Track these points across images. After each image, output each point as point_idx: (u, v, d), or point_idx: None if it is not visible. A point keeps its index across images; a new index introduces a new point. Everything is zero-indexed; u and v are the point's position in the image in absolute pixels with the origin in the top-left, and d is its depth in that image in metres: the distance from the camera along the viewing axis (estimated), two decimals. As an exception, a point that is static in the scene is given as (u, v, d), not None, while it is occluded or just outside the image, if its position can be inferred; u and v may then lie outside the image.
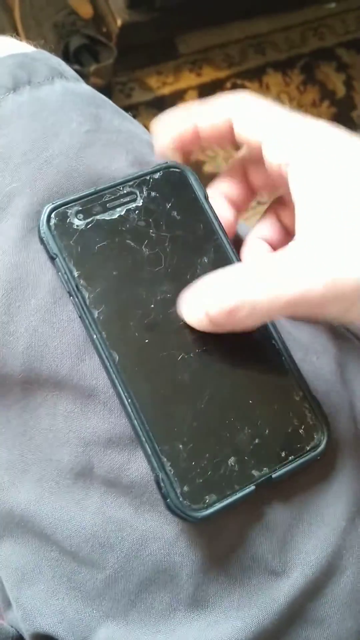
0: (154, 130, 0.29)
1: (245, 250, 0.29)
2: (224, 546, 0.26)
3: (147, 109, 0.97)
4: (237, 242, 0.30)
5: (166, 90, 1.00)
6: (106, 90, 0.92)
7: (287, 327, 0.29)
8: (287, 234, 0.30)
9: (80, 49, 0.89)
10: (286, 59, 1.05)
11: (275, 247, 0.29)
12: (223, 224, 0.28)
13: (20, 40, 0.33)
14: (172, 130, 0.29)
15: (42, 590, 0.27)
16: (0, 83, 0.29)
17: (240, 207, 0.30)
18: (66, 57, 0.88)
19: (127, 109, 0.33)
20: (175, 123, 0.29)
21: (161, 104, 0.98)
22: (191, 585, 0.26)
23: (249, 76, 1.03)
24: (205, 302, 0.25)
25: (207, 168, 0.94)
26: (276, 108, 0.26)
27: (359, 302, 0.22)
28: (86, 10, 0.91)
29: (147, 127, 0.32)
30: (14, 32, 0.89)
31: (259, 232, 0.30)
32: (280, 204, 0.29)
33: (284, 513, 0.26)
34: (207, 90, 1.02)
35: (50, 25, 0.88)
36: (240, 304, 0.24)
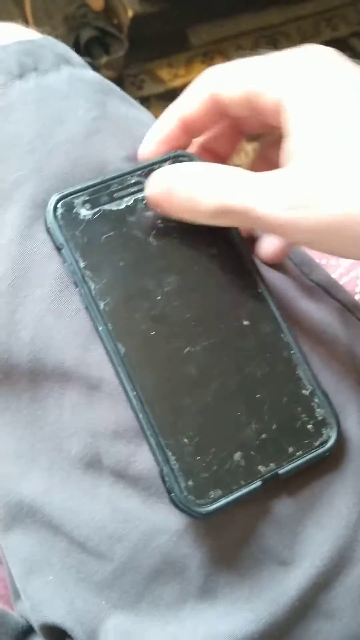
0: (140, 149, 0.28)
1: None
2: (233, 538, 0.26)
3: (158, 101, 0.97)
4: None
5: (178, 83, 0.99)
6: (117, 82, 0.91)
7: (296, 317, 0.29)
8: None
9: (91, 41, 0.89)
10: (299, 50, 1.04)
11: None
12: None
13: (27, 26, 0.32)
14: (155, 136, 0.28)
15: (50, 581, 0.27)
16: (7, 70, 0.28)
17: (227, 156, 0.29)
18: (77, 49, 0.88)
19: (138, 101, 0.32)
20: (157, 128, 0.28)
21: (173, 97, 0.97)
22: (201, 577, 0.25)
23: (262, 68, 1.02)
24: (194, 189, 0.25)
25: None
26: (251, 57, 0.25)
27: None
28: (97, 3, 0.90)
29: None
30: (25, 24, 0.89)
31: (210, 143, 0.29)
32: (270, 146, 0.29)
33: (293, 505, 0.26)
34: (219, 82, 1.01)
35: (61, 18, 0.88)
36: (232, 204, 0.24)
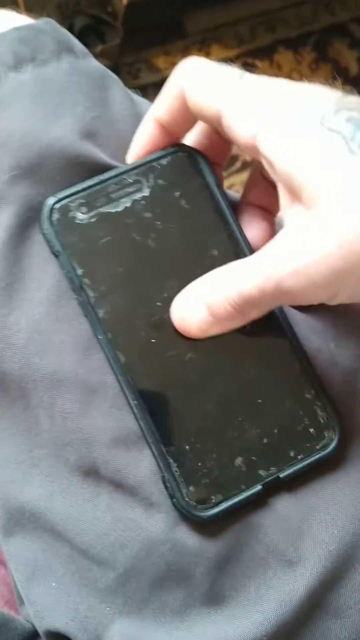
0: (127, 157, 0.28)
1: (242, 224, 0.28)
2: (236, 538, 0.26)
3: (155, 90, 0.95)
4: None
5: (174, 71, 0.98)
6: (113, 71, 0.90)
7: (304, 315, 0.28)
8: (274, 188, 0.29)
9: (85, 29, 0.87)
10: (297, 36, 1.02)
11: (267, 208, 0.28)
12: None
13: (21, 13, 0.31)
14: (138, 141, 0.27)
15: (53, 587, 0.27)
16: (0, 61, 0.27)
17: (220, 163, 0.28)
18: (71, 38, 0.86)
19: (134, 90, 0.31)
20: (139, 133, 0.27)
21: (169, 85, 0.96)
22: (206, 583, 0.25)
23: (260, 55, 1.01)
24: (208, 298, 0.24)
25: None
26: (225, 70, 0.24)
27: None
28: (91, -11, 0.89)
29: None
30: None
31: (248, 197, 0.28)
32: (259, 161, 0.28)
33: (297, 503, 0.26)
34: (216, 70, 1.00)
35: (54, 6, 0.86)
36: (240, 296, 0.23)
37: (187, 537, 0.25)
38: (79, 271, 0.25)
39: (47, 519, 0.26)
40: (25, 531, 0.27)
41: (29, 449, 0.26)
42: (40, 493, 0.26)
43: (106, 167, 0.27)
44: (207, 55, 1.00)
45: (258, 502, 0.26)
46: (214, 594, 0.25)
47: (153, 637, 0.25)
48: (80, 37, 0.87)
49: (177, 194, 0.26)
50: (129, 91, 0.31)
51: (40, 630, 0.28)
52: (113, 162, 0.27)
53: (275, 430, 0.25)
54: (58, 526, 0.26)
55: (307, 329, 0.27)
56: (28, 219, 0.26)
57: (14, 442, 0.27)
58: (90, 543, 0.26)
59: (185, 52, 0.99)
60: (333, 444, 0.26)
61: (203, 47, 1.00)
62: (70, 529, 0.26)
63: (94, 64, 0.30)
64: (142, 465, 0.25)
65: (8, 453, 0.27)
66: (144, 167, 0.26)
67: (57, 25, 0.30)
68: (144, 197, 0.26)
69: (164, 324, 0.25)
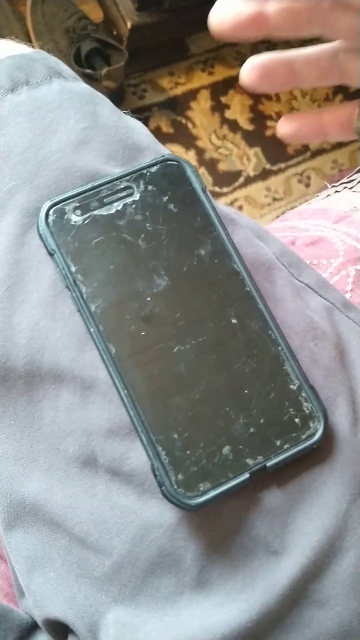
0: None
1: None
2: (225, 529, 0.26)
3: (160, 110, 0.98)
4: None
5: (179, 91, 1.00)
6: (119, 92, 0.93)
7: (286, 316, 0.29)
8: None
9: (92, 53, 0.90)
10: (298, 54, 1.04)
11: None
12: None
13: (33, 45, 0.33)
14: None
15: (52, 577, 0.28)
16: None
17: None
18: (78, 61, 0.89)
19: (140, 110, 0.33)
20: None
21: (174, 105, 0.99)
22: (196, 569, 0.26)
23: (261, 73, 1.03)
24: None
25: (222, 166, 0.94)
26: None
27: None
28: (96, 15, 0.92)
29: (159, 127, 0.32)
30: (27, 39, 0.91)
31: None
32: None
33: (283, 496, 0.27)
34: (219, 88, 1.02)
35: (62, 31, 0.89)
36: None
37: (178, 522, 0.26)
38: (73, 268, 0.26)
39: (47, 511, 0.28)
40: (26, 524, 0.28)
41: (29, 444, 0.28)
42: (40, 486, 0.28)
43: (99, 173, 0.29)
44: (210, 74, 1.03)
45: (246, 495, 0.26)
46: (203, 580, 0.26)
47: (146, 623, 0.26)
48: (87, 60, 0.90)
49: (165, 198, 0.28)
50: (116, 108, 0.33)
51: (40, 619, 0.29)
52: (106, 167, 0.29)
53: (262, 420, 0.26)
54: (57, 517, 0.27)
55: (288, 328, 0.29)
56: (26, 225, 0.28)
57: (15, 438, 0.28)
58: (88, 531, 0.27)
59: (189, 72, 1.02)
60: (318, 434, 0.26)
61: (206, 67, 1.03)
62: (69, 518, 0.27)
63: (82, 85, 0.32)
64: (135, 454, 0.26)
65: (10, 449, 0.28)
66: (135, 174, 0.28)
67: (47, 54, 0.32)
68: (134, 201, 0.28)
69: (154, 318, 0.26)
